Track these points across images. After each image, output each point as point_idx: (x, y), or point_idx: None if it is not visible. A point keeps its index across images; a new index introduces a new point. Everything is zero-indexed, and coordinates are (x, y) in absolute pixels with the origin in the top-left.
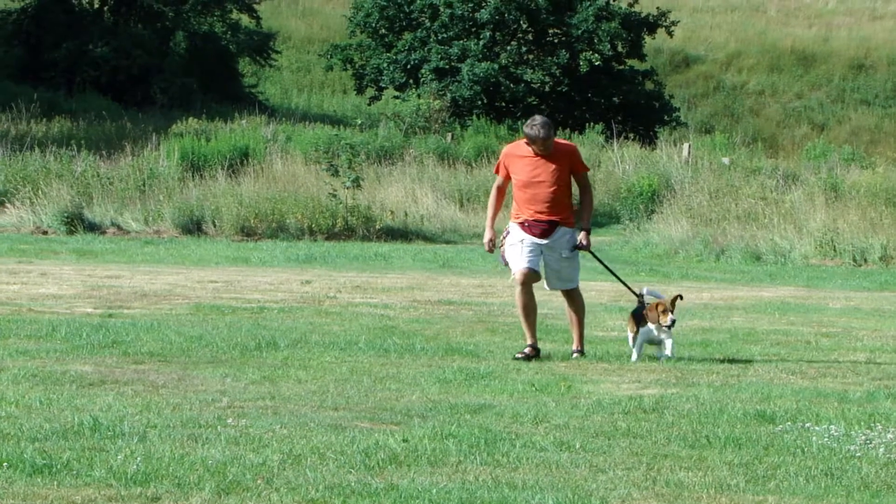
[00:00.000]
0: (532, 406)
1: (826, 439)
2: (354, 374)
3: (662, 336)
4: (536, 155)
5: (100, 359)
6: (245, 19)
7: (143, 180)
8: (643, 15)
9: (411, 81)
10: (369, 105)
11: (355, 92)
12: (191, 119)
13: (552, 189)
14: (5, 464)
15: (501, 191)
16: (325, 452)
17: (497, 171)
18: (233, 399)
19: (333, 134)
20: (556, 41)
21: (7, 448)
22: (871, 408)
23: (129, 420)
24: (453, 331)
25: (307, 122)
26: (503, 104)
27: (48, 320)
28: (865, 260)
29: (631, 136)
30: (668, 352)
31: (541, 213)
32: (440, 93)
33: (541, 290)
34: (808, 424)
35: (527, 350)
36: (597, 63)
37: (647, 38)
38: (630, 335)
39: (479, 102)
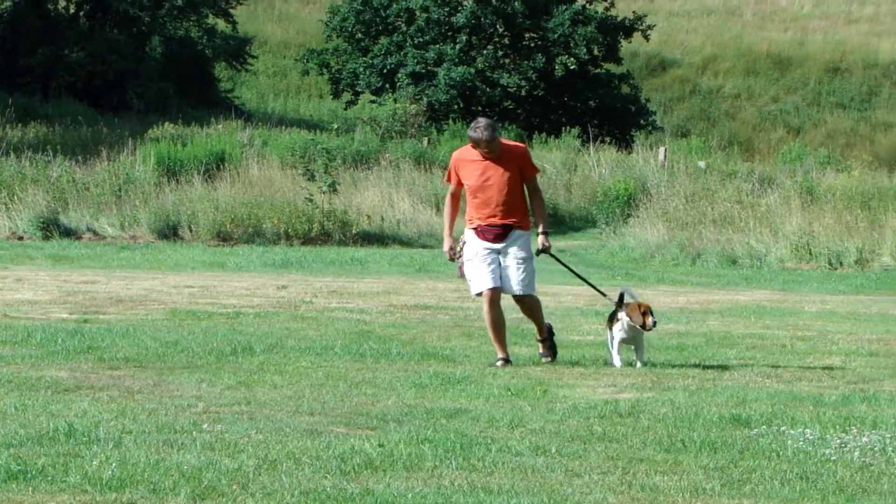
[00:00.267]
0: (508, 410)
1: (801, 443)
2: (330, 378)
3: (634, 334)
4: (485, 158)
5: (75, 364)
6: (221, 24)
7: (119, 185)
8: (619, 19)
9: (388, 86)
10: (345, 109)
11: (331, 96)
12: (167, 124)
13: (504, 192)
14: None
15: (455, 198)
16: (300, 458)
17: (448, 179)
18: (208, 404)
19: (310, 139)
20: (532, 45)
21: None
22: (847, 411)
23: (104, 426)
24: (429, 335)
25: (283, 127)
26: (480, 108)
27: (23, 326)
28: (841, 263)
29: (607, 139)
30: (638, 357)
31: (493, 216)
32: (416, 97)
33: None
34: (783, 428)
35: (498, 363)
36: (573, 67)
37: (624, 42)
38: (609, 339)
39: (456, 107)
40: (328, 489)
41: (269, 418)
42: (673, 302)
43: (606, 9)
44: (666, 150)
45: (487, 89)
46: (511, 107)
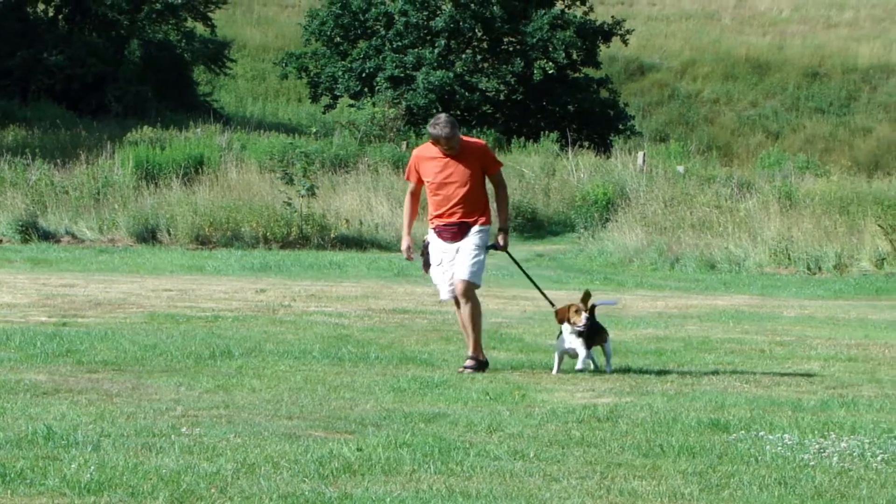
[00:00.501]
0: (486, 415)
1: (780, 448)
2: (309, 382)
3: (574, 345)
4: (445, 156)
5: (54, 367)
6: (200, 27)
7: (97, 189)
8: (598, 23)
9: (366, 90)
10: (324, 113)
11: (310, 100)
12: (145, 127)
13: (464, 190)
14: None
15: (415, 196)
16: (279, 461)
17: (408, 177)
18: (187, 408)
19: (288, 142)
20: (510, 49)
21: None
22: (825, 416)
23: (82, 429)
24: (408, 339)
25: (262, 131)
26: (458, 112)
27: (2, 329)
28: (820, 268)
29: (586, 144)
30: (579, 364)
31: (452, 214)
32: (395, 101)
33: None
34: (761, 433)
35: (468, 362)
36: (551, 71)
37: (602, 47)
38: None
39: (434, 111)
40: (306, 493)
41: (247, 422)
42: (651, 307)
43: (585, 13)
44: (644, 154)
45: (466, 93)
46: (490, 111)
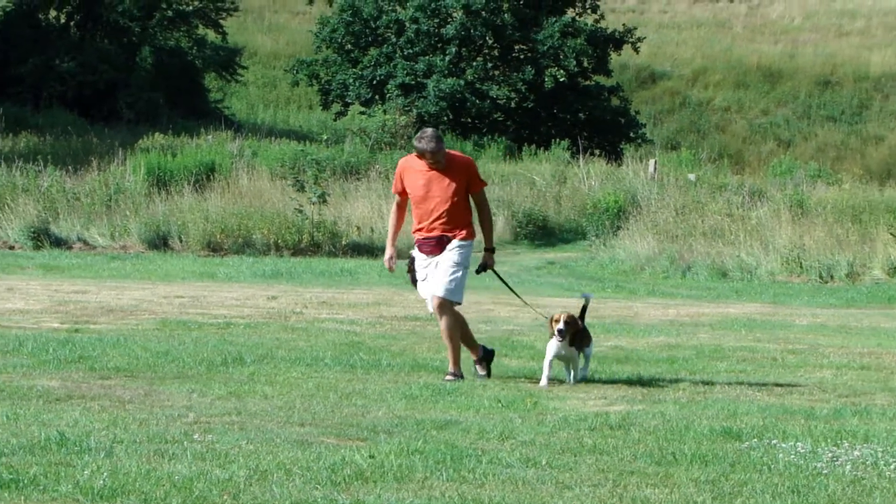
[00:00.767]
0: (498, 422)
1: (792, 456)
2: (321, 389)
3: (563, 352)
4: (431, 169)
5: (66, 374)
6: (211, 35)
7: (109, 195)
8: (609, 31)
9: (377, 97)
10: (335, 120)
11: (321, 107)
12: (157, 134)
13: (447, 205)
14: None
15: (401, 207)
16: (291, 468)
17: (395, 190)
18: (199, 414)
19: (299, 149)
20: (521, 57)
21: None
22: (838, 425)
23: (95, 435)
24: (419, 347)
25: (273, 138)
26: (469, 120)
27: (15, 335)
28: (832, 277)
29: (597, 152)
30: (569, 378)
31: (433, 229)
32: (406, 108)
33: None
34: (774, 441)
35: (475, 359)
36: (562, 79)
37: (613, 55)
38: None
39: (445, 118)
40: (319, 500)
41: (259, 429)
42: (663, 315)
43: (596, 21)
44: (656, 162)
45: (477, 101)
46: (500, 118)
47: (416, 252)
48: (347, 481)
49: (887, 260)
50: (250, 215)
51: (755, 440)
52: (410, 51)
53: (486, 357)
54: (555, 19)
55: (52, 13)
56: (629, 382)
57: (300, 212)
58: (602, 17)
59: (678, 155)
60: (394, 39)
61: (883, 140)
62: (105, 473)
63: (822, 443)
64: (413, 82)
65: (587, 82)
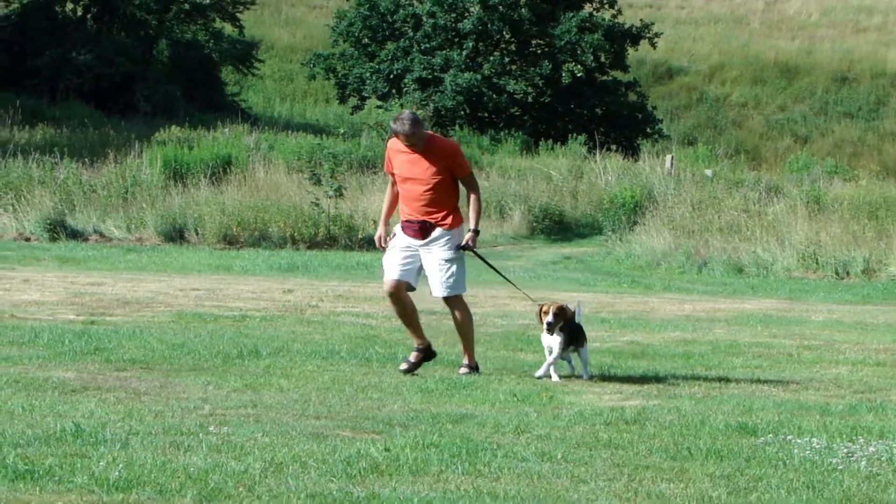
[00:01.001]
0: (514, 416)
1: (808, 452)
2: (336, 382)
3: (550, 343)
4: (414, 152)
5: (82, 365)
6: (228, 28)
7: (125, 188)
8: (626, 26)
9: (394, 91)
10: (352, 114)
11: (338, 101)
12: (174, 127)
13: (427, 188)
14: None
15: (393, 188)
16: (306, 461)
17: (386, 169)
18: (215, 407)
19: (316, 143)
20: (538, 52)
21: None
22: (853, 421)
23: (111, 427)
24: (435, 340)
25: (290, 131)
26: (486, 114)
27: (31, 326)
28: (848, 273)
29: (613, 147)
30: (539, 372)
31: (415, 212)
32: (423, 103)
33: (521, 300)
34: (789, 437)
35: (413, 355)
36: (579, 74)
37: (631, 50)
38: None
39: (462, 112)
40: (334, 493)
41: (275, 421)
42: (679, 310)
43: (613, 16)
44: (672, 157)
45: (494, 95)
46: (517, 113)
47: (398, 228)
48: (363, 474)
49: None
50: (267, 208)
51: (770, 436)
52: (427, 45)
53: (427, 355)
54: (572, 14)
55: (69, 6)
56: (645, 377)
57: (316, 205)
58: (619, 12)
59: (695, 150)
60: (411, 34)
61: None
62: (120, 465)
63: (838, 439)
64: (430, 77)
65: (604, 77)
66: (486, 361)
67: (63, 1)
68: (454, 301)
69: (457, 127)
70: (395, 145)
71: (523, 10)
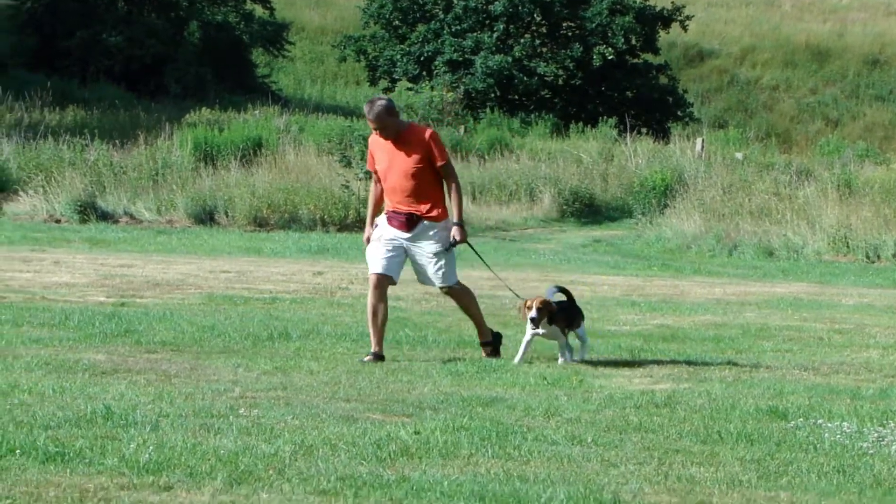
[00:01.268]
0: (544, 399)
1: (838, 436)
2: (366, 365)
3: (543, 330)
4: (393, 144)
5: (112, 347)
6: (259, 10)
7: (156, 170)
8: (657, 9)
9: (424, 73)
10: None
11: (368, 83)
12: (204, 109)
13: (407, 178)
14: (18, 451)
15: (377, 185)
16: (336, 444)
17: (369, 166)
18: (245, 389)
19: (346, 125)
20: (569, 34)
21: (20, 436)
22: (884, 405)
23: (141, 409)
24: (465, 323)
25: (320, 113)
26: (516, 97)
27: (61, 308)
28: (879, 257)
29: (644, 130)
30: (565, 357)
31: (399, 203)
32: (453, 85)
33: (552, 283)
34: (820, 421)
35: (367, 357)
36: (610, 57)
37: (662, 33)
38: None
39: (493, 95)
40: (364, 475)
41: (305, 404)
42: (709, 293)
43: None
44: (703, 140)
45: (524, 78)
46: (548, 96)
47: (382, 219)
48: (393, 457)
49: None
50: (297, 191)
51: (801, 420)
52: (458, 27)
53: (378, 356)
54: None
55: None
56: (675, 361)
57: (346, 187)
58: None
59: (725, 133)
60: (441, 16)
61: None
62: (151, 447)
63: (868, 423)
64: (461, 59)
65: (635, 60)
66: (516, 345)
67: None
68: (453, 292)
69: (487, 109)
70: (375, 140)
71: None
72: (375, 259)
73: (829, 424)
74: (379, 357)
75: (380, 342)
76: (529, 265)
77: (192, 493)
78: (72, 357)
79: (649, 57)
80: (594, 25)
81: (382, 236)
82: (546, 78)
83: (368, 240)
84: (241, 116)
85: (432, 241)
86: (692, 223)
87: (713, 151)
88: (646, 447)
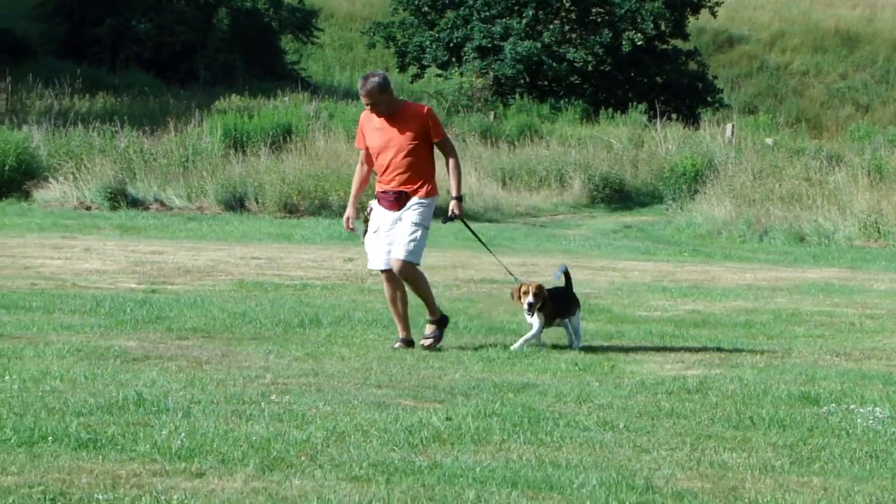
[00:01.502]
0: (575, 385)
1: (871, 421)
2: (397, 351)
3: (531, 321)
4: (387, 121)
5: (143, 334)
6: None
7: (185, 157)
8: None
9: (454, 60)
10: (412, 83)
11: (398, 70)
12: (233, 96)
13: (402, 156)
14: (50, 438)
15: (364, 165)
16: (368, 430)
17: (358, 144)
18: (276, 375)
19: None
20: (599, 20)
21: (52, 422)
22: None
23: (173, 395)
24: (496, 309)
25: (349, 100)
26: (546, 83)
27: (92, 295)
28: None
29: (674, 116)
30: (515, 345)
31: (391, 182)
32: (483, 71)
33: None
34: (852, 406)
35: (397, 344)
36: (640, 43)
37: (691, 18)
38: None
39: (522, 81)
40: (396, 461)
41: (336, 390)
42: (740, 279)
43: None
44: (733, 126)
45: (554, 64)
46: (577, 82)
47: (374, 203)
48: (425, 443)
49: None
50: (327, 177)
51: (833, 405)
52: (487, 13)
53: (407, 341)
54: None
55: None
56: (706, 346)
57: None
58: None
59: (755, 119)
60: (470, 2)
61: None
62: (182, 434)
63: None
64: (490, 45)
65: (664, 46)
66: (546, 331)
67: None
68: (406, 271)
69: (517, 95)
70: (367, 118)
71: None
72: (377, 255)
73: (862, 410)
74: (408, 342)
75: (406, 327)
76: (560, 251)
77: (225, 480)
78: (103, 344)
79: (679, 43)
80: (623, 11)
81: (380, 228)
82: (575, 64)
83: (349, 219)
84: (271, 103)
85: (415, 212)
86: (723, 209)
87: (743, 137)
88: (678, 433)
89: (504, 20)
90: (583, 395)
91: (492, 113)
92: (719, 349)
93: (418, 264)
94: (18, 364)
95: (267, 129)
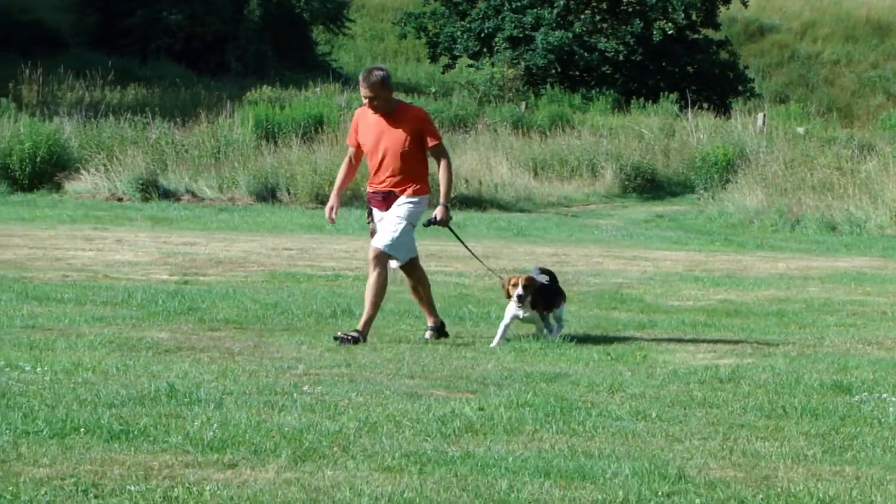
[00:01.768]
0: (608, 375)
1: None
2: (430, 342)
3: (525, 314)
4: (383, 119)
5: (176, 325)
6: None
7: (217, 148)
8: None
9: (485, 50)
10: (443, 73)
11: (429, 60)
12: (265, 87)
13: (396, 157)
14: (83, 429)
15: (351, 161)
16: (401, 420)
17: (349, 141)
18: (309, 366)
19: (407, 102)
20: (630, 10)
21: (84, 414)
22: None
23: (205, 387)
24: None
25: None
26: (577, 73)
27: (124, 287)
28: None
29: (705, 105)
30: (552, 335)
31: (382, 182)
32: (514, 61)
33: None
34: (885, 395)
35: (428, 334)
36: (671, 32)
37: (722, 8)
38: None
39: (553, 71)
40: (429, 452)
41: (369, 381)
42: (772, 268)
43: None
44: (765, 115)
45: (585, 54)
46: (609, 71)
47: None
48: (457, 433)
49: None
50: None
51: (865, 394)
52: (518, 3)
53: (436, 328)
54: None
55: None
56: (738, 336)
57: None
58: None
59: (787, 108)
60: None
61: None
62: (215, 425)
63: None
64: (521, 35)
65: (695, 36)
66: (579, 320)
67: None
68: (380, 259)
69: (548, 86)
70: (362, 115)
71: None
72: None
73: (894, 398)
74: (438, 328)
75: (433, 313)
76: (592, 241)
77: (257, 471)
78: (135, 335)
79: (710, 32)
80: (654, 1)
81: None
82: (607, 53)
83: (332, 209)
84: (302, 94)
85: (402, 208)
86: (754, 198)
87: (774, 126)
88: (710, 422)
89: (535, 10)
90: (615, 385)
91: (523, 103)
92: (751, 339)
93: (399, 259)
94: (50, 356)
95: (298, 120)
